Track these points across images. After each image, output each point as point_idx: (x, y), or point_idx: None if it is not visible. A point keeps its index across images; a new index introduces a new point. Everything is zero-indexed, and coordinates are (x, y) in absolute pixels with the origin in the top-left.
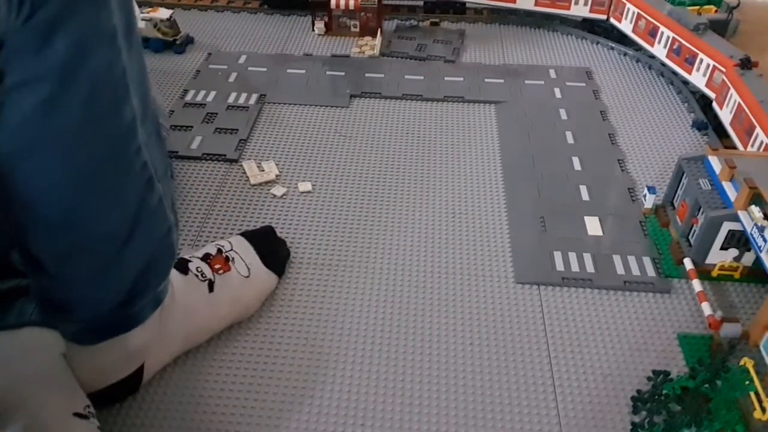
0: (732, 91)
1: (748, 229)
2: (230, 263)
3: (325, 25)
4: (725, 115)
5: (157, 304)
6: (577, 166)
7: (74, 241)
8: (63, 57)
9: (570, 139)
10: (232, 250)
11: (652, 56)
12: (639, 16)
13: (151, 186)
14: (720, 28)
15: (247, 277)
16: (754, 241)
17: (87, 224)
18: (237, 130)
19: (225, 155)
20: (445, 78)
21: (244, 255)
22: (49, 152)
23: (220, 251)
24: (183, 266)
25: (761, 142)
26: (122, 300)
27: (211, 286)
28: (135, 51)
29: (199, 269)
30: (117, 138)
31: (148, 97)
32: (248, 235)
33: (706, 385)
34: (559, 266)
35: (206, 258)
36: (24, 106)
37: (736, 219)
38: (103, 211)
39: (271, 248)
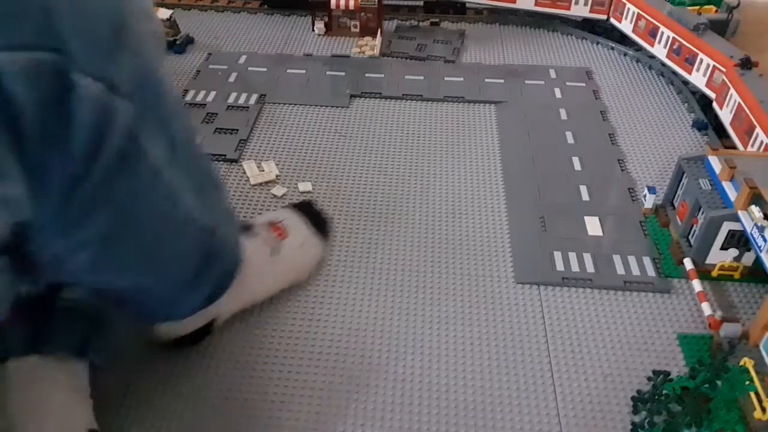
0: (732, 91)
1: (748, 229)
2: (286, 231)
3: (325, 25)
4: (725, 115)
5: (231, 282)
6: (577, 166)
7: (144, 302)
8: (105, 224)
9: (570, 139)
10: (283, 221)
11: (652, 56)
12: (639, 16)
13: (211, 233)
14: (720, 28)
15: (301, 245)
16: (754, 241)
17: (155, 290)
18: (237, 130)
19: (225, 155)
20: (445, 78)
21: (296, 224)
22: (107, 272)
23: (274, 222)
24: (250, 230)
25: (761, 142)
26: (200, 306)
27: (273, 250)
28: (181, 154)
29: (264, 235)
30: (174, 234)
31: (201, 168)
32: (293, 207)
33: (706, 385)
34: (559, 266)
35: (267, 224)
36: (74, 263)
37: (736, 219)
38: (169, 276)
39: (316, 218)
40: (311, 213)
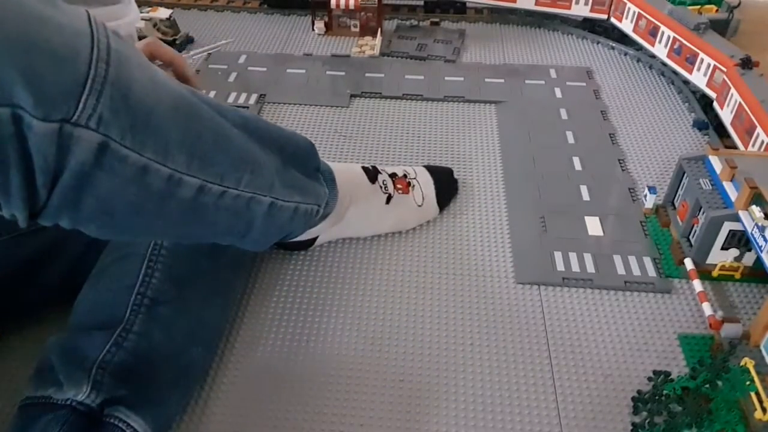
0: (733, 90)
1: (749, 229)
2: (410, 188)
3: (325, 24)
4: (726, 115)
5: (325, 217)
6: (577, 165)
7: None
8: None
9: (570, 139)
10: (415, 178)
11: (653, 56)
12: (640, 16)
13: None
14: (721, 27)
15: (420, 206)
16: (755, 241)
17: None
18: None
19: None
20: (446, 78)
21: (424, 186)
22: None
23: (405, 176)
24: (373, 176)
25: (762, 142)
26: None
27: (389, 199)
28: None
29: (385, 183)
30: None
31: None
32: (432, 170)
33: (707, 386)
34: (560, 266)
35: (393, 176)
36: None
37: (737, 219)
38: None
39: (447, 187)
40: (443, 182)
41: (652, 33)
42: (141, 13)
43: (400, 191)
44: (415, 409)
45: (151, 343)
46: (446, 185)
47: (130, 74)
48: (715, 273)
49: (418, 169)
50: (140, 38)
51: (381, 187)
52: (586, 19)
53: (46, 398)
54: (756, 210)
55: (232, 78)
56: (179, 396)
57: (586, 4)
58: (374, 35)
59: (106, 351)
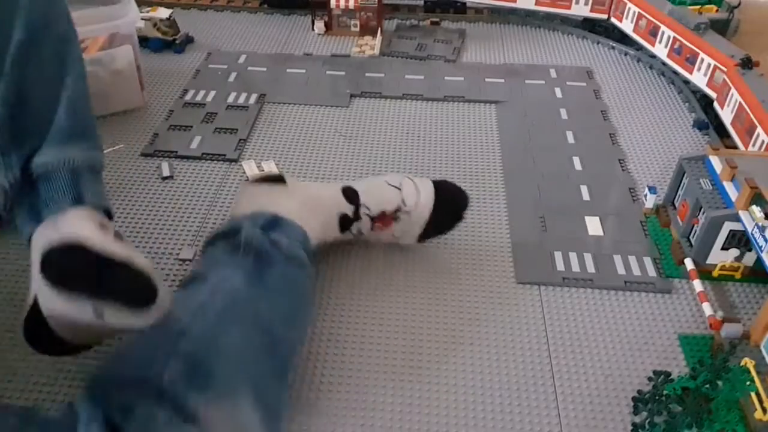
0: (733, 90)
1: (749, 229)
2: (394, 222)
3: (325, 24)
4: (726, 115)
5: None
6: (577, 165)
7: None
8: None
9: (570, 139)
10: (409, 213)
11: (653, 56)
12: (640, 16)
13: None
14: (721, 27)
15: (397, 236)
16: (755, 241)
17: None
18: (237, 129)
19: (225, 155)
20: (446, 78)
21: (417, 217)
22: None
23: (398, 209)
24: (348, 224)
25: (762, 142)
26: None
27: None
28: None
29: (359, 229)
30: None
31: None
32: (439, 203)
33: (707, 386)
34: (560, 266)
35: (381, 216)
36: None
37: (737, 219)
38: None
39: (445, 217)
40: (444, 224)
41: (653, 33)
42: (141, 12)
43: (377, 228)
44: (415, 409)
45: None
46: (445, 215)
47: None
48: (715, 273)
49: (424, 198)
50: (140, 38)
51: (351, 233)
52: (586, 19)
53: None
54: (756, 210)
55: (232, 78)
56: None
57: (586, 4)
58: (374, 35)
59: None
